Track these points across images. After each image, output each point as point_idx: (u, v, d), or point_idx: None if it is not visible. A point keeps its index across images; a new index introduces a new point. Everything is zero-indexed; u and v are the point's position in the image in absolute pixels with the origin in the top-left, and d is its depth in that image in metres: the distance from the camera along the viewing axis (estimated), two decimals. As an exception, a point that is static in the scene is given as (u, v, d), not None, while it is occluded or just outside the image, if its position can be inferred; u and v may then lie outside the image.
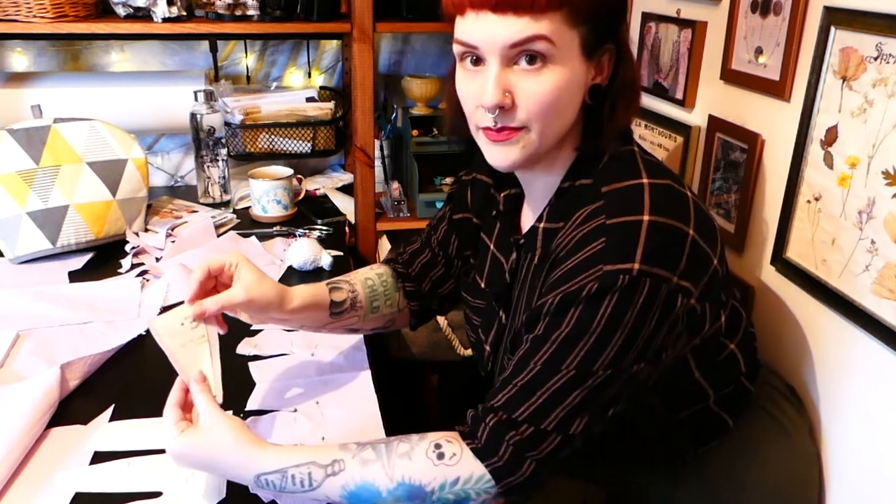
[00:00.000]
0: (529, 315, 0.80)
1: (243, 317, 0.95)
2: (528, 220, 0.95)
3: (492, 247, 1.02)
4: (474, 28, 0.75)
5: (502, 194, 0.97)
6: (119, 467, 0.90)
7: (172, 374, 0.96)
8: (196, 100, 1.67)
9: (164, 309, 1.26)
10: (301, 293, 0.98)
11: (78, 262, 1.45)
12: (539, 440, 0.76)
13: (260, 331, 1.21)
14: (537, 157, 0.83)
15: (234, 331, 1.19)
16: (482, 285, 1.03)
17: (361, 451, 0.80)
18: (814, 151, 1.02)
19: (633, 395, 0.87)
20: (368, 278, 1.06)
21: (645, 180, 0.79)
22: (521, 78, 0.76)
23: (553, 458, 0.77)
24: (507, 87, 0.76)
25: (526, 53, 0.75)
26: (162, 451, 0.90)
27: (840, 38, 0.96)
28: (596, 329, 0.74)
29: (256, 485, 0.80)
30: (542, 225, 0.87)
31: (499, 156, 0.81)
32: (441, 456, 0.77)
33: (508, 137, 0.79)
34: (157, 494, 0.85)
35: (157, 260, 1.47)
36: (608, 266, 0.74)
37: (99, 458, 0.91)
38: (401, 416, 1.06)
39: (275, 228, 1.63)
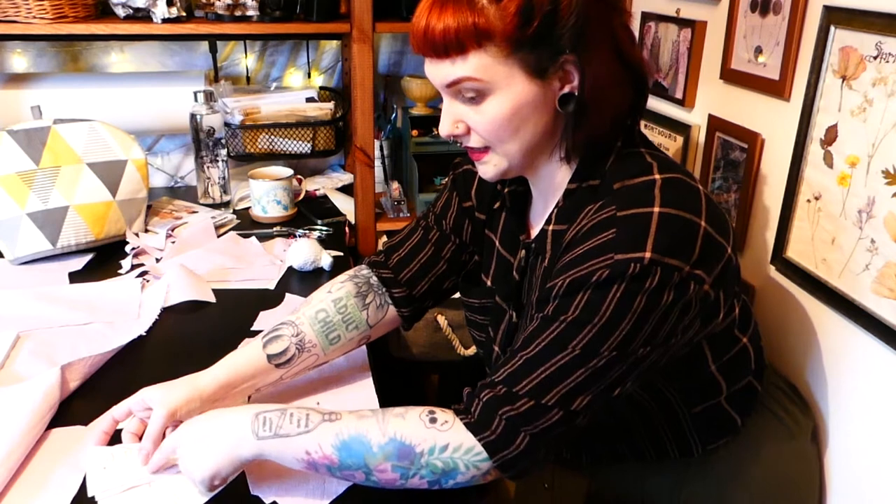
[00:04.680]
0: (539, 296, 0.81)
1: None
2: (536, 218, 0.96)
3: (497, 244, 1.02)
4: (426, 69, 0.84)
5: (507, 190, 0.97)
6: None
7: (171, 375, 0.96)
8: (196, 100, 1.67)
9: (165, 310, 1.27)
10: (224, 363, 0.98)
11: (78, 263, 1.45)
12: (538, 414, 0.77)
13: (260, 331, 1.21)
14: (519, 170, 0.88)
15: (234, 331, 1.20)
16: (488, 283, 1.03)
17: (358, 411, 0.82)
18: (814, 151, 1.02)
19: (653, 388, 0.88)
20: (320, 311, 1.02)
21: (656, 176, 0.80)
22: (467, 109, 0.83)
23: (550, 433, 0.77)
24: (458, 117, 0.84)
25: (462, 90, 0.81)
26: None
27: (840, 37, 0.96)
28: (604, 315, 0.75)
29: (254, 428, 0.81)
30: (551, 227, 0.87)
31: (480, 172, 0.89)
32: (433, 420, 0.79)
33: (479, 158, 0.87)
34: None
35: (158, 261, 1.47)
36: (619, 255, 0.75)
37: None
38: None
39: (275, 229, 1.63)
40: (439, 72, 0.81)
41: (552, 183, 0.89)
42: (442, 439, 0.78)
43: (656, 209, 0.76)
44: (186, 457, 0.84)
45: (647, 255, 0.74)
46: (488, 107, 0.80)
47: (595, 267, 0.75)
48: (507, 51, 0.77)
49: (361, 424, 0.80)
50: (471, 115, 0.82)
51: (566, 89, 0.80)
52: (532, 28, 0.76)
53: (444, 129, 0.85)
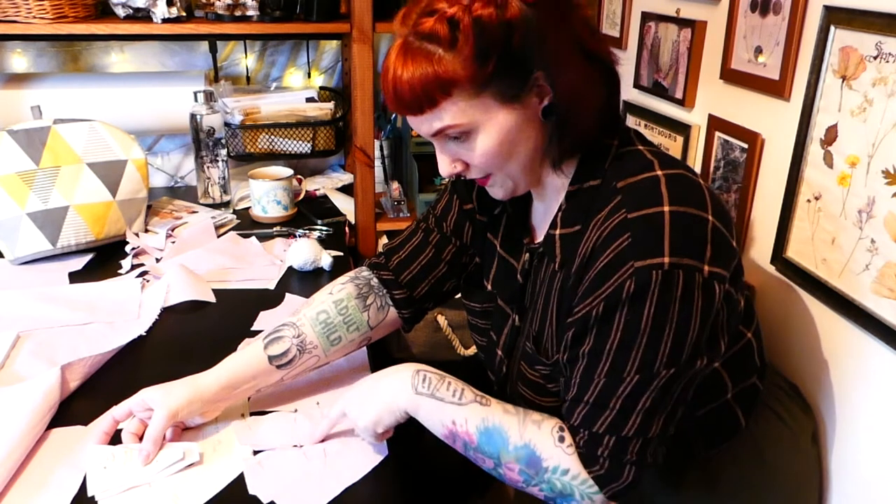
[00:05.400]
0: (576, 329, 0.81)
1: (198, 420, 0.98)
2: (539, 222, 0.96)
3: (498, 247, 1.02)
4: (409, 121, 0.85)
5: None
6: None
7: (171, 375, 0.96)
8: (196, 100, 1.67)
9: (165, 310, 1.27)
10: (225, 364, 0.98)
11: (78, 263, 1.45)
12: (626, 446, 0.78)
13: (260, 331, 1.21)
14: (527, 185, 0.89)
15: (234, 331, 1.20)
16: (488, 287, 1.03)
17: (504, 404, 0.85)
18: (814, 151, 1.02)
19: None
20: (321, 312, 1.03)
21: (659, 172, 0.81)
22: (458, 148, 0.84)
23: (645, 457, 0.79)
24: (453, 156, 0.86)
25: (447, 135, 0.83)
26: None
27: (840, 37, 0.96)
28: (645, 329, 0.75)
29: (413, 382, 0.86)
30: (557, 232, 0.87)
31: (491, 194, 0.92)
32: (562, 439, 0.81)
33: (485, 184, 0.89)
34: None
35: (158, 261, 1.47)
36: (638, 262, 0.75)
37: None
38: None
39: (275, 229, 1.64)
40: (420, 126, 0.83)
41: (552, 187, 0.90)
42: (565, 462, 0.79)
43: (666, 208, 0.76)
44: (353, 410, 0.90)
45: (666, 259, 0.74)
46: (477, 143, 0.82)
47: (620, 280, 0.76)
48: (475, 91, 0.78)
49: (505, 419, 0.82)
50: (463, 152, 0.84)
51: (545, 101, 0.81)
52: (492, 64, 0.76)
53: (444, 170, 0.87)
